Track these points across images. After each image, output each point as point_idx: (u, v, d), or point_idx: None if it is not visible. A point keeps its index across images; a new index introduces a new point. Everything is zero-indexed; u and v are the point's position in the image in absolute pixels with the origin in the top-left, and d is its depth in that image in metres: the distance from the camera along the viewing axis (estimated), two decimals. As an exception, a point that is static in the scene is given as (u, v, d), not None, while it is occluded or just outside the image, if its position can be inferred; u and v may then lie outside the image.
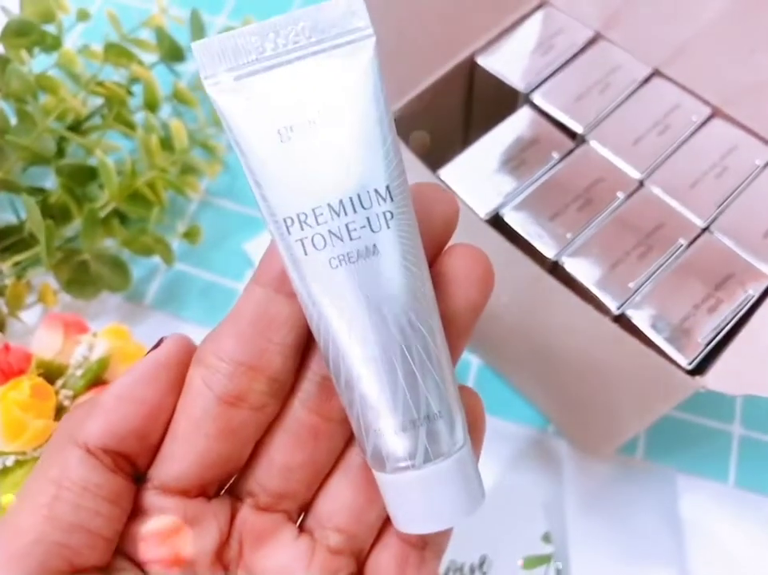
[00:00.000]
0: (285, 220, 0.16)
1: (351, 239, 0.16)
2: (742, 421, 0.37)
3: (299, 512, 0.19)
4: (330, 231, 0.16)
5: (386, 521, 0.19)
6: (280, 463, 0.18)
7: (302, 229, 0.16)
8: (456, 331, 0.18)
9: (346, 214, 0.16)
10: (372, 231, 0.16)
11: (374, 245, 0.16)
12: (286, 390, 0.18)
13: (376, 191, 0.16)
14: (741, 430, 0.37)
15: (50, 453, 0.17)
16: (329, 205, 0.16)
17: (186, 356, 0.18)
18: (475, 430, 0.18)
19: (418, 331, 0.16)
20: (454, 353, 0.18)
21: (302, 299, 0.17)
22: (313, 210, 0.16)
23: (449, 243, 0.18)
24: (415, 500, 0.17)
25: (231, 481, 0.19)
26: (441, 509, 0.17)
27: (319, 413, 0.18)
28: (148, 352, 0.18)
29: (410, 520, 0.17)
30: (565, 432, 0.37)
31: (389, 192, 0.16)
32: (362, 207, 0.16)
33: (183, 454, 0.17)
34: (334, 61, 0.16)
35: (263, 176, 0.16)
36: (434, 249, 0.18)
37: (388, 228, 0.16)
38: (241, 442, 0.18)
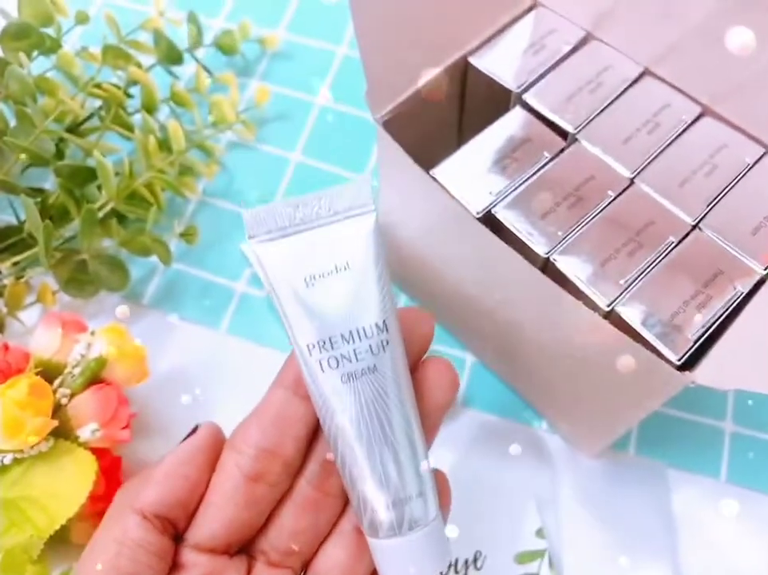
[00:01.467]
0: (308, 345, 0.21)
1: (357, 360, 0.21)
2: (734, 417, 0.38)
3: (302, 568, 0.24)
4: (341, 355, 0.21)
5: None
6: (289, 528, 0.23)
7: (321, 352, 0.21)
8: (429, 424, 0.23)
9: (353, 341, 0.21)
10: (373, 354, 0.21)
11: (374, 365, 0.21)
12: (296, 471, 0.23)
13: (376, 324, 0.21)
14: (732, 426, 0.37)
15: (112, 518, 0.22)
16: (341, 335, 0.21)
17: (217, 441, 0.23)
18: (443, 500, 0.23)
19: (405, 432, 0.21)
20: (428, 441, 0.23)
21: (317, 405, 0.22)
22: (329, 338, 0.21)
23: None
24: (400, 559, 0.22)
25: (248, 542, 0.23)
26: (419, 566, 0.21)
27: (320, 489, 0.23)
28: (186, 438, 0.23)
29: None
30: (558, 428, 0.37)
31: (386, 325, 0.21)
32: (366, 336, 0.21)
33: (214, 520, 0.22)
34: (346, 229, 0.22)
35: (292, 312, 0.21)
36: (415, 358, 0.23)
37: (384, 351, 0.21)
38: (259, 511, 0.22)
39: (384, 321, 0.21)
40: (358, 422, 0.21)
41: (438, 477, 0.23)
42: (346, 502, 0.24)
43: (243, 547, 0.23)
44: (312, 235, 0.21)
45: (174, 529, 0.22)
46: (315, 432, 0.23)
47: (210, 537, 0.22)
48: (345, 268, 0.21)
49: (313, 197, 0.22)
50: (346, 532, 0.23)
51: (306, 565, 0.24)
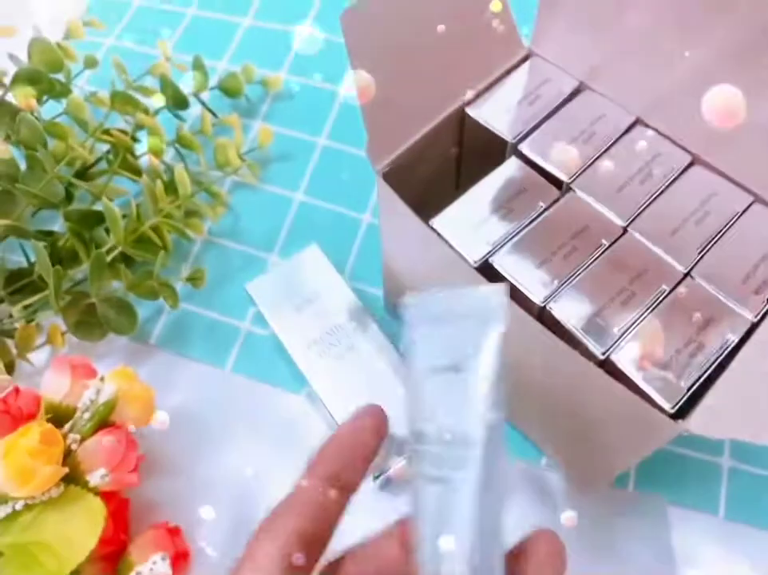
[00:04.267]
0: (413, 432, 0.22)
1: (441, 467, 0.21)
2: (731, 453, 0.38)
3: None
4: (428, 452, 0.22)
5: None
6: None
7: (414, 443, 0.22)
8: None
9: (443, 444, 0.21)
10: (453, 468, 0.21)
11: (452, 476, 0.21)
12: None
13: (466, 433, 0.22)
14: (730, 462, 0.38)
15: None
16: (434, 433, 0.21)
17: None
18: None
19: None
20: None
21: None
22: (421, 431, 0.22)
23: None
24: None
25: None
26: None
27: None
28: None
29: None
30: (558, 466, 0.38)
31: (476, 440, 0.21)
32: (454, 442, 0.21)
33: None
34: (471, 332, 0.23)
35: (412, 396, 0.22)
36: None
37: (468, 468, 0.21)
38: None
39: (476, 433, 0.21)
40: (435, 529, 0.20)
41: None
42: None
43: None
44: (446, 328, 0.22)
45: None
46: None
47: None
48: (458, 370, 0.22)
49: (454, 294, 0.23)
50: None
51: None
